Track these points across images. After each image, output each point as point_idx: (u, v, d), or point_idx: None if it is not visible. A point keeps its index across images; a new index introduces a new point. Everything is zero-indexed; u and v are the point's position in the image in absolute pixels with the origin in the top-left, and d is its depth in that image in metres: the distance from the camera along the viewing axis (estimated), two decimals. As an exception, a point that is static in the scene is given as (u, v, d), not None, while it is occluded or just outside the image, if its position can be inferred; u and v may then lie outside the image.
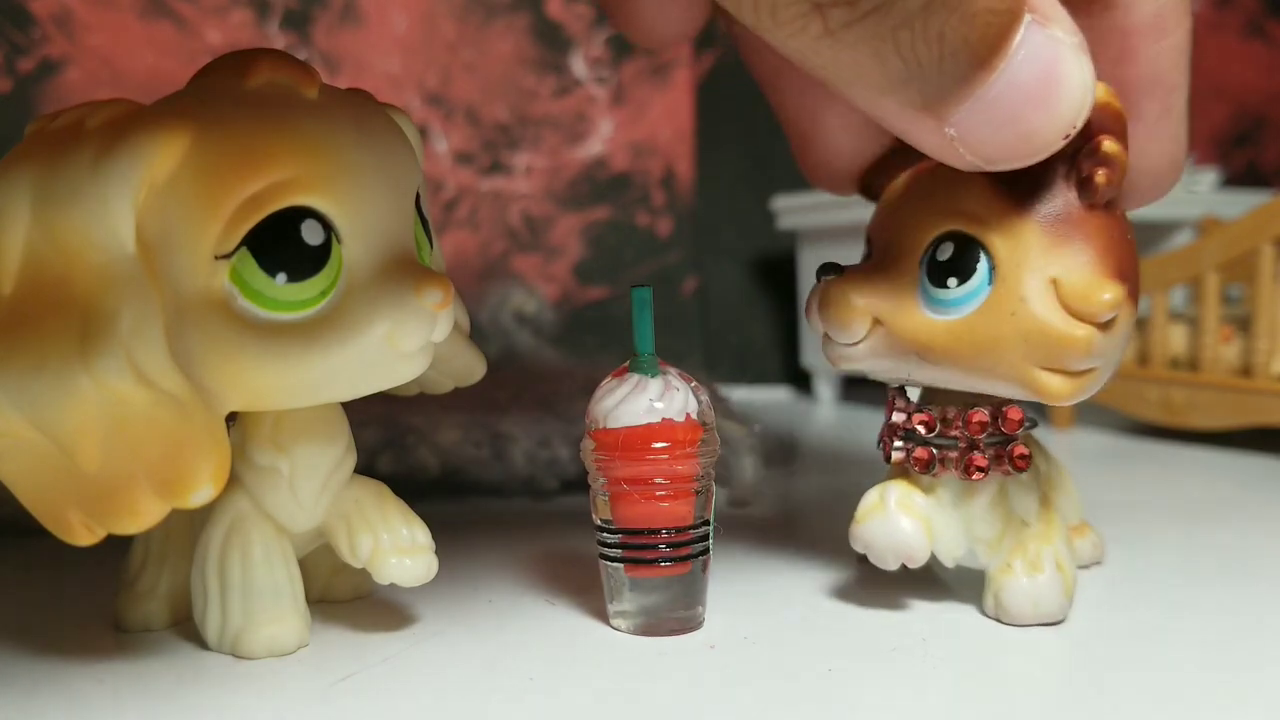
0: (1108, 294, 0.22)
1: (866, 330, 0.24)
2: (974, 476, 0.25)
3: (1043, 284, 0.23)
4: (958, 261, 0.23)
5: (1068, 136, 0.21)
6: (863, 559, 0.29)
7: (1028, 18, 0.19)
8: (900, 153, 0.27)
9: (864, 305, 0.24)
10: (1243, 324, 0.51)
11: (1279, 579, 0.29)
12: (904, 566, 0.25)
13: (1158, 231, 0.66)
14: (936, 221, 0.24)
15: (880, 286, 0.24)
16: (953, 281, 0.23)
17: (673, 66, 0.74)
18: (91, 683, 0.22)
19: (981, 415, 0.25)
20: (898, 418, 0.26)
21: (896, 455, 0.26)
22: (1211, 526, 0.35)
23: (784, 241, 0.73)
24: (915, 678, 0.22)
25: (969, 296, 0.23)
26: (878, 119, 0.21)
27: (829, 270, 0.25)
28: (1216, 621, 0.25)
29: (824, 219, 0.65)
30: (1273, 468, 0.46)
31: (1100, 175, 0.22)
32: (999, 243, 0.23)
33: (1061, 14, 0.20)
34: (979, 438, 0.25)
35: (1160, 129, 0.24)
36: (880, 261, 0.25)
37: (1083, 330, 0.22)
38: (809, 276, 0.69)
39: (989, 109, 0.20)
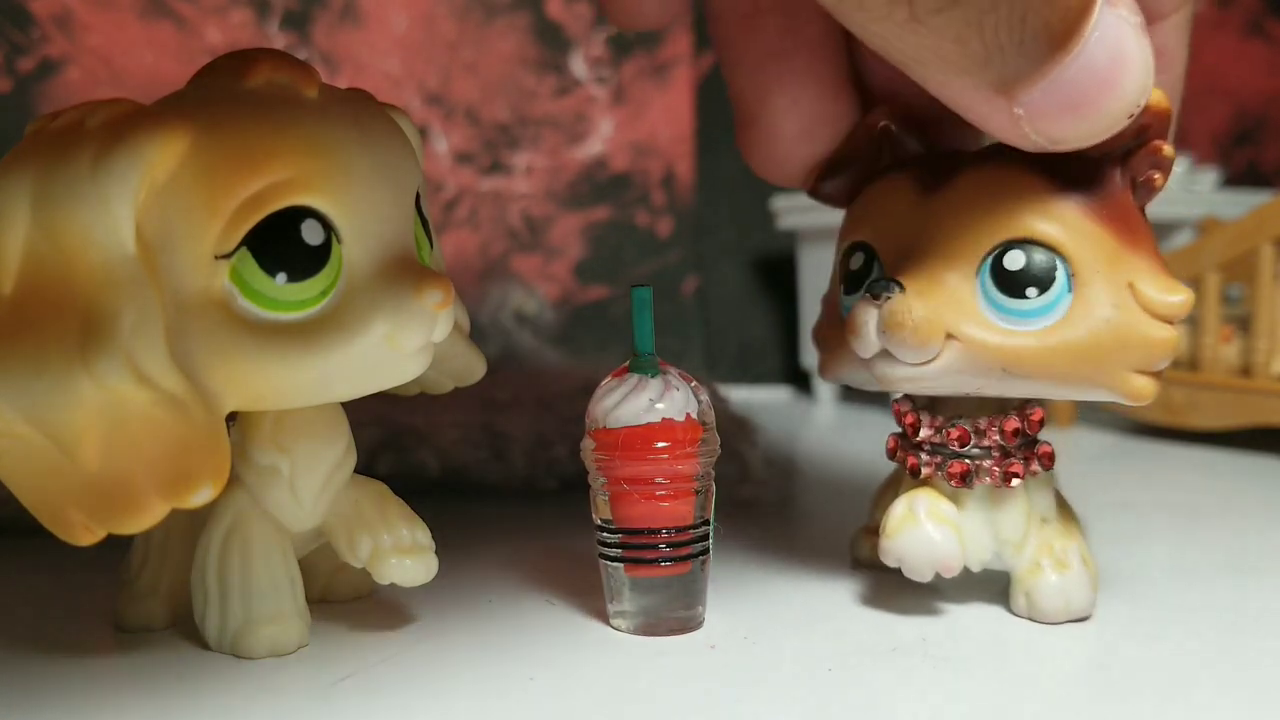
0: (1180, 295, 0.23)
1: (941, 347, 0.23)
2: (1012, 484, 0.25)
3: (1122, 288, 0.23)
4: (1032, 270, 0.23)
5: (1132, 116, 0.21)
6: (859, 565, 0.30)
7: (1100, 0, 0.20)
8: (858, 158, 0.27)
9: (939, 320, 0.23)
10: (1243, 324, 0.51)
11: (1278, 577, 0.29)
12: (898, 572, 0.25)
13: (1158, 231, 0.65)
14: (994, 228, 0.23)
15: (944, 299, 0.23)
16: (1032, 291, 0.23)
17: (673, 66, 0.74)
18: (91, 682, 0.22)
19: (1014, 423, 0.24)
20: (926, 434, 0.25)
21: (926, 471, 0.25)
22: (1211, 526, 0.35)
23: (784, 241, 0.73)
24: (915, 677, 0.22)
25: (1050, 306, 0.23)
26: (944, 98, 0.21)
27: (889, 286, 0.23)
28: (1216, 620, 0.25)
29: (824, 219, 0.64)
30: (1273, 467, 0.46)
31: (1159, 179, 0.23)
32: (1074, 249, 0.23)
33: None
34: (1013, 445, 0.25)
35: None
36: (920, 273, 0.23)
37: (1168, 331, 0.23)
38: (809, 276, 0.70)
39: (1061, 90, 0.20)
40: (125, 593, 0.25)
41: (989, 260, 0.23)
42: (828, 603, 0.27)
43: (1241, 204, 0.61)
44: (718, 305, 0.77)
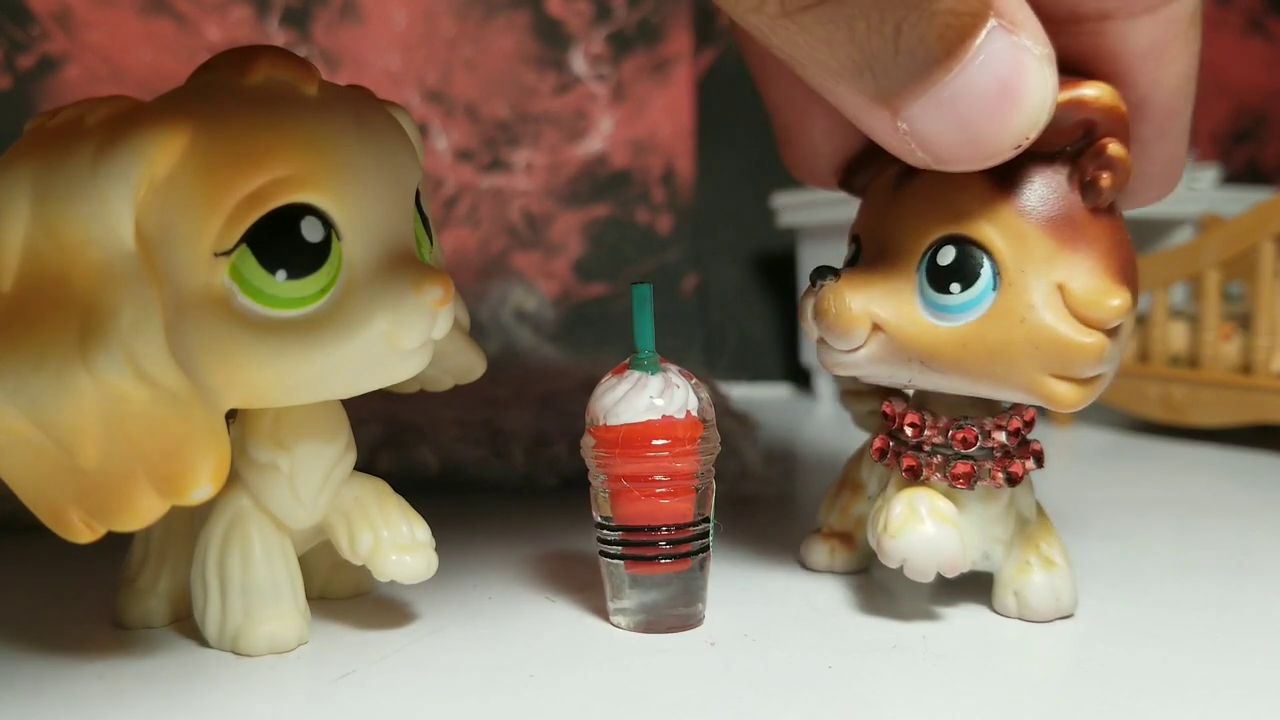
0: (1116, 300, 0.22)
1: (866, 336, 0.24)
2: (1014, 484, 0.25)
3: (1050, 289, 0.22)
4: (960, 266, 0.23)
5: (1019, 147, 0.20)
6: (813, 571, 0.29)
7: (992, 22, 0.19)
8: (881, 150, 0.27)
9: (863, 311, 0.23)
10: (1243, 321, 0.51)
11: (1278, 575, 0.29)
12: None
13: (1158, 229, 0.65)
14: (936, 224, 0.23)
15: (878, 290, 0.23)
16: (956, 287, 0.23)
17: (673, 63, 0.74)
18: (92, 680, 0.22)
19: (1016, 423, 0.25)
20: (929, 434, 0.25)
21: (926, 472, 0.25)
22: (1211, 523, 0.35)
23: (784, 239, 0.73)
24: (915, 674, 0.22)
25: (973, 303, 0.23)
26: (837, 105, 0.21)
27: (824, 274, 0.24)
28: (1216, 618, 0.25)
29: (824, 216, 0.65)
30: (1273, 465, 0.46)
31: (1105, 179, 0.22)
32: (1003, 247, 0.22)
33: (1031, 21, 0.20)
34: (1013, 445, 0.25)
35: (1156, 149, 0.24)
36: (875, 264, 0.24)
37: (1093, 337, 0.22)
38: (809, 273, 0.69)
39: (942, 109, 0.20)
40: (125, 590, 0.25)
41: (927, 256, 0.23)
42: (828, 600, 0.27)
43: (1241, 201, 0.61)
44: (718, 303, 0.77)
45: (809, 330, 0.25)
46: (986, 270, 0.23)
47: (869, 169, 0.27)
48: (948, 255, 0.23)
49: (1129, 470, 0.46)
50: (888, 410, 0.26)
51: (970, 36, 0.19)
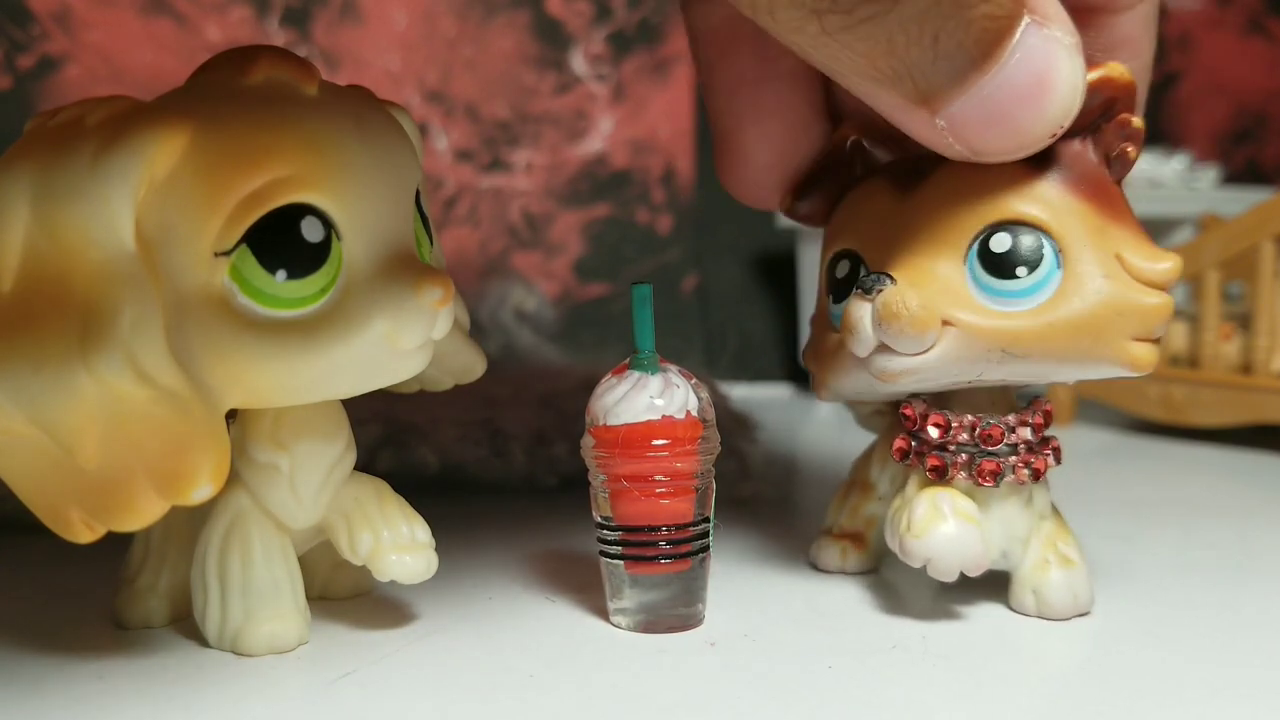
0: (1169, 261, 0.23)
1: (938, 335, 0.23)
2: (1039, 479, 0.25)
3: (1110, 259, 0.23)
4: (1019, 250, 0.23)
5: (1054, 135, 0.21)
6: (823, 572, 0.29)
7: (1026, 19, 0.20)
8: (830, 175, 0.27)
9: (933, 307, 0.23)
10: (1243, 321, 0.51)
11: (1278, 575, 0.29)
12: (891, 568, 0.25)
13: (1158, 229, 0.65)
14: (978, 214, 0.23)
15: (936, 287, 0.23)
16: (1022, 271, 0.23)
17: (673, 63, 0.74)
18: (91, 680, 0.22)
19: (1039, 419, 0.25)
20: (956, 433, 0.25)
21: (952, 471, 0.24)
22: (1211, 523, 0.35)
23: (784, 239, 0.73)
24: (915, 674, 0.22)
25: (1040, 284, 0.23)
26: (871, 105, 0.22)
27: (879, 280, 0.23)
28: (1216, 618, 0.25)
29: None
30: (1273, 465, 0.46)
31: (1131, 150, 0.23)
32: (1059, 225, 0.23)
33: (1059, 12, 0.20)
34: (1036, 440, 0.25)
35: None
36: (914, 265, 0.23)
37: (1160, 297, 0.23)
38: (809, 274, 0.69)
39: (980, 106, 0.20)
40: (125, 590, 0.25)
41: (975, 246, 0.23)
42: (828, 600, 0.27)
43: (1241, 201, 0.61)
44: (718, 302, 0.77)
45: (859, 343, 0.23)
46: (1049, 250, 0.23)
47: (818, 194, 0.27)
48: (1003, 242, 0.23)
49: (1129, 470, 0.46)
50: (908, 412, 0.25)
51: (1006, 36, 0.20)
